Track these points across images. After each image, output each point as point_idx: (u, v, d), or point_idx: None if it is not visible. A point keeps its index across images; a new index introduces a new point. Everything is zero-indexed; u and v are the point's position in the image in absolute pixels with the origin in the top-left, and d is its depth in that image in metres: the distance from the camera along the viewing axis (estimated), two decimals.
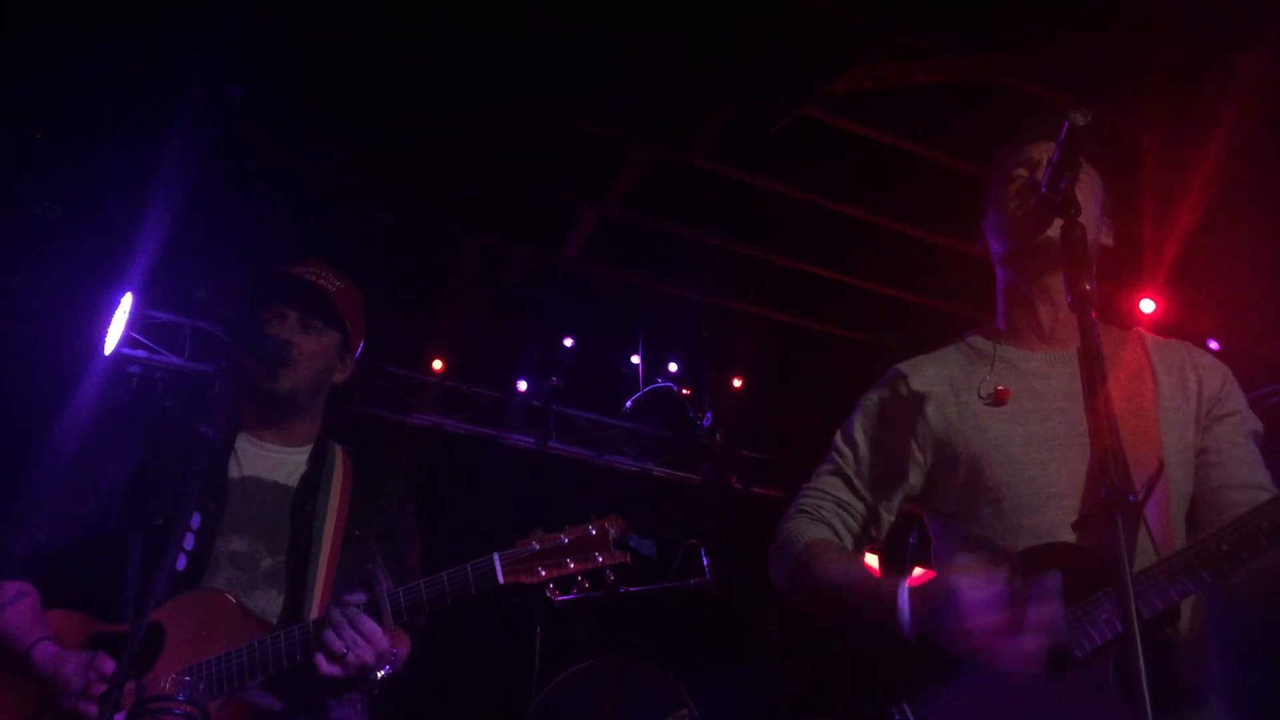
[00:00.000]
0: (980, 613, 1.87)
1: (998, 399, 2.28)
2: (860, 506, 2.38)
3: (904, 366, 2.46)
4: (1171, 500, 2.15)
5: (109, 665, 2.45)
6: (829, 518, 2.37)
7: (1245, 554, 1.87)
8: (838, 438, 2.48)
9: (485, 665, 6.71)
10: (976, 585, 1.90)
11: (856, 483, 2.39)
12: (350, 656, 2.40)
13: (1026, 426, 2.24)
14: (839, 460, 2.43)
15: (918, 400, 2.37)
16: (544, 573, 2.50)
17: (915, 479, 2.36)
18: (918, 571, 2.05)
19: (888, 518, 2.41)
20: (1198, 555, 1.90)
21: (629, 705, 5.51)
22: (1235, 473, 2.19)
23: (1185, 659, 2.03)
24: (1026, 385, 2.30)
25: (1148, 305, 6.44)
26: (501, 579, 2.49)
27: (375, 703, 2.85)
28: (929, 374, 2.41)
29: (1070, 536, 2.01)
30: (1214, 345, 6.25)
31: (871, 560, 2.51)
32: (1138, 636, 1.51)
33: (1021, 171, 2.31)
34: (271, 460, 2.91)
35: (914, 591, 1.99)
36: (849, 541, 2.37)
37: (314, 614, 2.64)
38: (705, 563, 5.77)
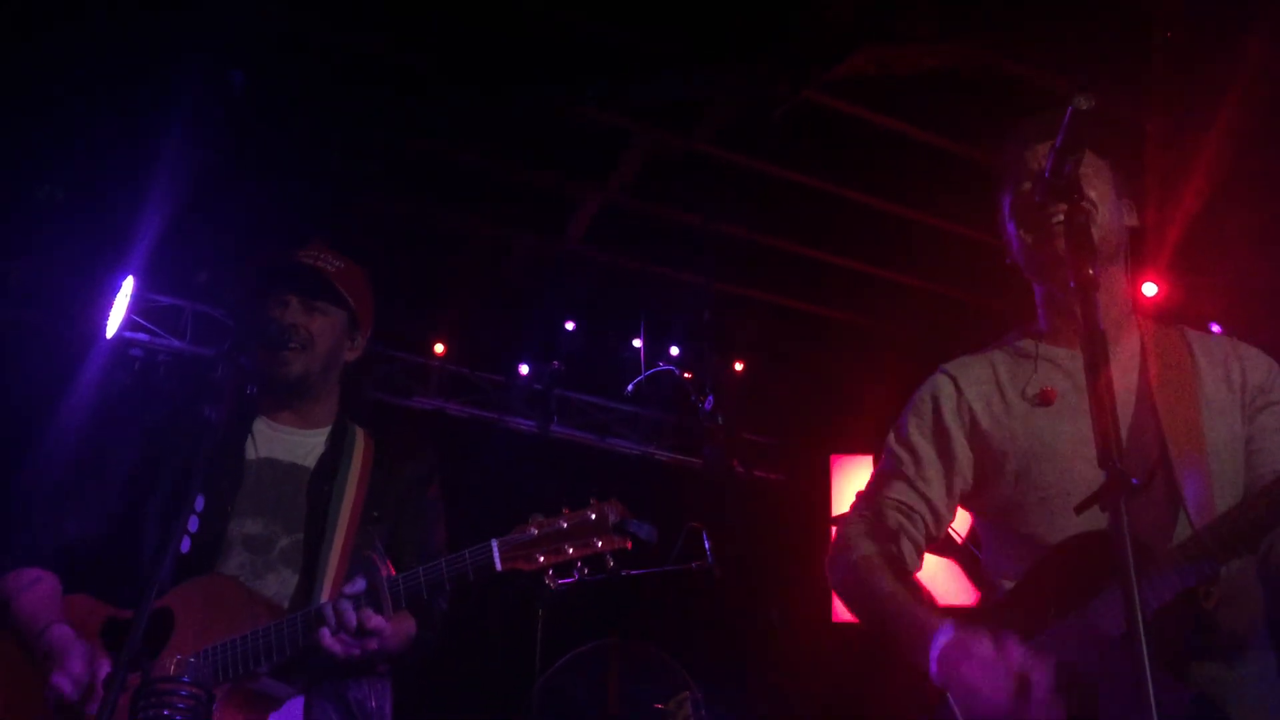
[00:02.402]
0: (992, 689, 1.92)
1: (1044, 399, 2.29)
2: (923, 507, 2.39)
3: (950, 367, 2.47)
4: (1213, 488, 2.14)
5: (106, 667, 2.46)
6: (889, 523, 2.38)
7: (1272, 521, 1.91)
8: (892, 440, 2.48)
9: (488, 648, 6.73)
10: (990, 660, 1.94)
11: (918, 484, 2.39)
12: (347, 636, 2.40)
13: (1075, 424, 2.23)
14: (898, 464, 2.43)
15: (967, 400, 2.37)
16: (542, 559, 2.44)
17: (967, 477, 2.37)
18: (949, 630, 2.06)
19: (947, 516, 2.42)
20: (1228, 526, 1.93)
21: (631, 687, 5.54)
22: None
23: (1235, 630, 2.05)
24: (1072, 383, 2.30)
25: (1150, 289, 6.42)
26: (499, 566, 2.44)
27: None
28: (974, 374, 2.42)
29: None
30: (1216, 329, 6.25)
31: (931, 561, 2.53)
32: (1140, 623, 1.52)
33: (1028, 186, 2.31)
34: (289, 442, 2.91)
35: (945, 648, 2.02)
36: (909, 547, 2.37)
37: (326, 595, 2.63)
38: (707, 546, 5.78)
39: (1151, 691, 1.47)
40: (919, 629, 2.09)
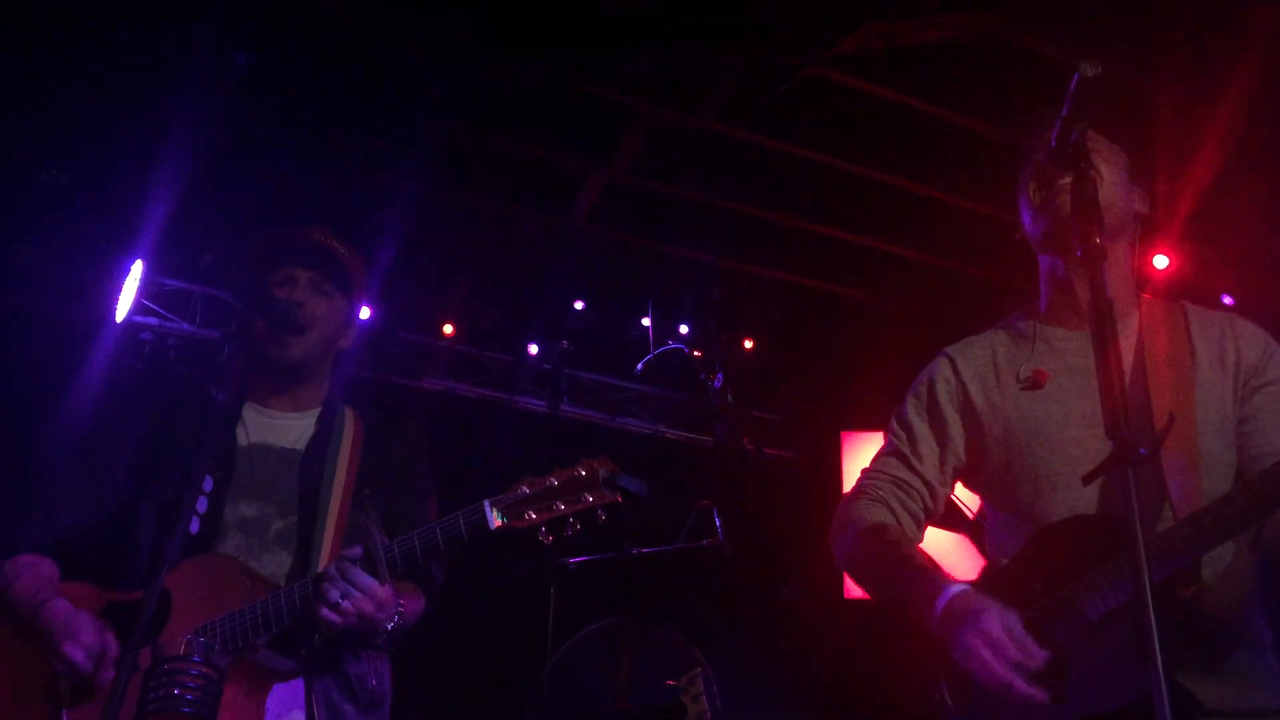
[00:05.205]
0: (991, 655, 1.97)
1: (1035, 381, 2.34)
2: (918, 483, 2.48)
3: (951, 350, 2.55)
4: (1200, 470, 2.13)
5: (114, 642, 2.47)
6: (887, 498, 2.47)
7: (1255, 515, 1.87)
8: (894, 421, 2.57)
9: (501, 627, 6.75)
10: (995, 627, 1.99)
11: (913, 461, 2.48)
12: (347, 605, 2.41)
13: (1064, 406, 2.29)
14: (896, 442, 2.54)
15: (962, 382, 2.46)
16: (534, 516, 2.47)
17: (961, 455, 2.46)
18: (957, 588, 2.09)
19: (944, 492, 2.51)
20: (1210, 517, 1.89)
21: (643, 666, 5.55)
22: (1274, 440, 2.18)
23: (1218, 616, 2.03)
24: (1065, 364, 2.34)
25: (1161, 261, 6.39)
26: (492, 525, 2.47)
27: (395, 660, 2.87)
28: (973, 355, 2.50)
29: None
30: (1227, 301, 6.22)
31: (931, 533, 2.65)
32: (1148, 588, 1.51)
33: (1042, 155, 2.31)
34: (279, 426, 2.91)
35: (948, 608, 2.08)
36: (907, 519, 2.46)
37: None
38: (718, 524, 5.79)
39: (1160, 663, 1.46)
40: (923, 586, 2.17)
